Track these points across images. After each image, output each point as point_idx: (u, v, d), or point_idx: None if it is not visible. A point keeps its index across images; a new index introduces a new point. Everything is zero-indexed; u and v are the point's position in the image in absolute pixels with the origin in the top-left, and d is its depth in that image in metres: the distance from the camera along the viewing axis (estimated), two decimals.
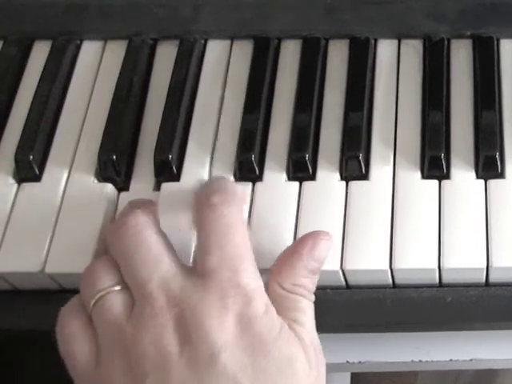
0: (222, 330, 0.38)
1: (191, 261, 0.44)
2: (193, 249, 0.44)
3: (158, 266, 0.40)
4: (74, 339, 0.41)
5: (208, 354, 0.38)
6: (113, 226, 0.42)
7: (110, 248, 0.42)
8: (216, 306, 0.39)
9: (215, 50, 0.53)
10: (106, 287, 0.40)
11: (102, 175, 0.48)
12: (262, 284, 0.40)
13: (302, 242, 0.42)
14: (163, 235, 0.42)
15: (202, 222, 0.41)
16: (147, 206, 0.44)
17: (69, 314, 0.42)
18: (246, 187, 0.47)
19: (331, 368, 0.49)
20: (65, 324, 0.41)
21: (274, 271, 0.42)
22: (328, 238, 0.42)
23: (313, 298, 0.42)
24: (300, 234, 0.45)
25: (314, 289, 0.42)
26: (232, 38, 0.54)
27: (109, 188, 0.48)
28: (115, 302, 0.40)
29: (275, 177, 0.47)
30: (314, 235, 0.42)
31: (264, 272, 0.43)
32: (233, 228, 0.41)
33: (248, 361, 0.38)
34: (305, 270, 0.41)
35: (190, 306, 0.39)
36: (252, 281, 0.40)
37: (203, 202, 0.42)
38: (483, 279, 0.45)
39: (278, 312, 0.40)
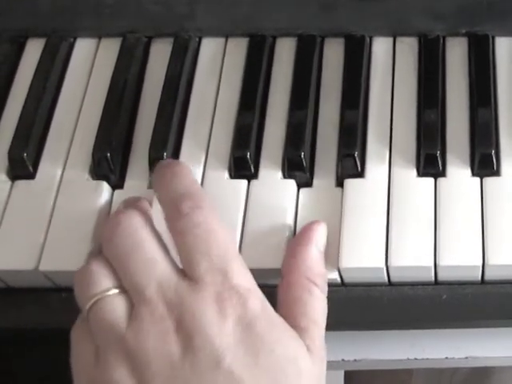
0: (223, 333, 0.38)
1: None
2: None
3: (155, 270, 0.39)
4: (75, 344, 0.41)
5: (212, 357, 0.37)
6: (106, 227, 0.42)
7: (104, 249, 0.41)
8: (214, 310, 0.38)
9: (210, 47, 0.53)
10: (103, 290, 0.40)
11: (97, 173, 0.48)
12: (253, 281, 0.40)
13: (304, 233, 0.43)
14: (158, 235, 0.41)
15: (179, 234, 0.40)
16: (142, 204, 0.44)
17: (78, 321, 0.41)
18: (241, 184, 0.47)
19: (326, 366, 0.49)
20: (73, 326, 0.41)
21: (288, 267, 0.42)
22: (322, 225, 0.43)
23: (326, 290, 0.42)
24: (296, 231, 0.45)
25: (326, 280, 0.42)
26: (227, 36, 0.54)
27: (103, 186, 0.47)
28: (112, 306, 0.39)
29: (270, 174, 0.47)
30: (316, 224, 0.43)
31: (261, 271, 0.43)
32: (213, 232, 0.40)
33: (251, 361, 0.38)
34: (320, 258, 0.42)
35: (189, 310, 0.38)
36: (243, 281, 0.40)
37: (174, 213, 0.41)
38: (479, 277, 0.45)
39: (295, 308, 0.40)
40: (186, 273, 0.40)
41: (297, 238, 0.43)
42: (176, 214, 0.40)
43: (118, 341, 0.38)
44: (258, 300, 0.39)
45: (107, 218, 0.45)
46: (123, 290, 0.40)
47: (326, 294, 0.42)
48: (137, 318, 0.39)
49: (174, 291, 0.39)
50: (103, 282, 0.40)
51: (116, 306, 0.39)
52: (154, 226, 0.42)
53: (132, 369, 0.38)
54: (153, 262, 0.40)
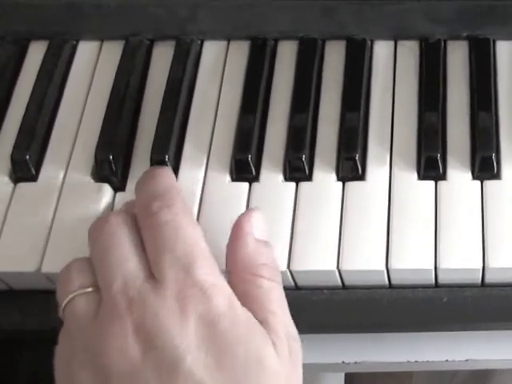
0: (184, 333, 0.37)
1: None
2: None
3: (124, 267, 0.39)
4: (58, 343, 0.41)
5: (172, 358, 0.36)
6: (90, 228, 0.42)
7: (89, 248, 0.42)
8: (175, 309, 0.37)
9: (212, 50, 0.53)
10: (77, 288, 0.40)
11: (99, 175, 0.48)
12: (222, 278, 0.39)
13: (238, 225, 0.41)
14: (136, 235, 0.41)
15: (147, 232, 0.40)
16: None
17: None
18: (242, 187, 0.47)
19: (327, 368, 0.50)
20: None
21: (230, 265, 0.41)
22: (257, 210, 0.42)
23: (279, 277, 0.41)
24: (296, 234, 0.45)
25: (275, 267, 0.41)
26: (229, 39, 0.54)
27: (105, 188, 0.48)
28: (83, 303, 0.39)
29: (272, 177, 0.48)
30: (244, 214, 0.42)
31: None
32: (181, 229, 0.39)
33: (213, 362, 0.36)
34: (261, 247, 0.41)
35: (151, 310, 0.38)
36: (209, 277, 0.38)
37: (144, 212, 0.41)
38: (479, 280, 0.45)
39: (250, 305, 0.39)
40: (153, 272, 0.39)
41: (231, 234, 0.42)
42: (146, 212, 0.40)
43: (82, 339, 0.38)
44: (223, 296, 0.38)
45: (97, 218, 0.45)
46: (97, 288, 0.40)
47: (278, 280, 0.41)
48: (99, 316, 0.38)
49: (138, 290, 0.38)
50: (80, 279, 0.40)
51: (86, 302, 0.39)
52: (134, 229, 0.41)
53: (93, 370, 0.37)
54: (124, 260, 0.39)
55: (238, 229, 0.41)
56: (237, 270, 0.40)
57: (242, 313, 0.39)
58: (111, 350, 0.37)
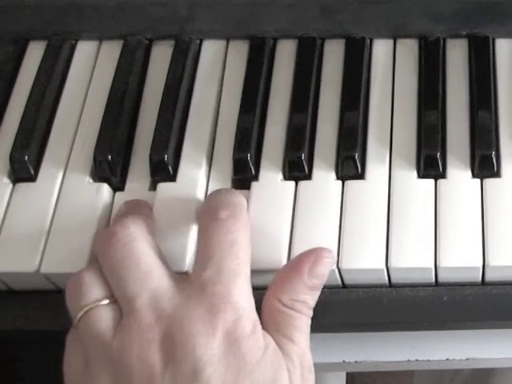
0: (209, 345, 0.38)
1: (186, 263, 0.44)
2: (188, 251, 0.44)
3: (148, 281, 0.39)
4: (68, 349, 0.41)
5: (192, 369, 0.37)
6: (102, 237, 0.42)
7: (99, 259, 0.41)
8: (205, 320, 0.38)
9: (211, 49, 0.53)
10: (93, 301, 0.40)
11: (98, 175, 0.48)
12: (253, 303, 0.40)
13: (303, 260, 0.41)
14: (154, 246, 0.41)
15: (206, 235, 0.41)
16: (142, 207, 0.44)
17: (71, 329, 0.42)
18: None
19: (328, 367, 0.49)
20: (68, 332, 0.41)
21: (273, 286, 0.41)
22: (330, 256, 0.42)
23: (311, 313, 0.42)
24: (296, 233, 0.45)
25: (313, 305, 0.42)
26: (228, 38, 0.54)
27: (104, 188, 0.48)
28: (102, 316, 0.39)
29: (271, 176, 0.47)
30: (315, 253, 0.42)
31: (260, 273, 0.43)
32: (237, 245, 0.40)
33: (231, 379, 0.37)
34: (305, 288, 0.41)
35: (178, 321, 0.38)
36: (243, 299, 0.39)
37: (210, 215, 0.41)
38: (479, 278, 0.45)
39: (273, 327, 0.40)
40: (193, 272, 0.40)
41: (297, 257, 0.42)
42: (212, 216, 0.41)
43: (103, 350, 0.39)
44: (249, 321, 0.39)
45: (102, 228, 0.45)
46: (114, 300, 0.40)
47: (307, 315, 0.41)
48: (123, 328, 0.39)
49: (166, 303, 0.39)
50: (94, 292, 0.40)
51: (105, 316, 0.39)
52: (151, 235, 0.42)
53: (115, 379, 0.38)
54: (146, 273, 0.40)
55: (313, 255, 0.42)
56: (276, 291, 0.41)
57: (264, 339, 0.40)
58: (134, 360, 0.38)
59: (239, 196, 0.43)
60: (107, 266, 0.41)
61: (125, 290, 0.39)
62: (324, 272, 0.42)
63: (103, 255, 0.41)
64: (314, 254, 0.41)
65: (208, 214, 0.42)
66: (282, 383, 0.39)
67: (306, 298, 0.41)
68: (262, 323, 0.41)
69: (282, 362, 0.39)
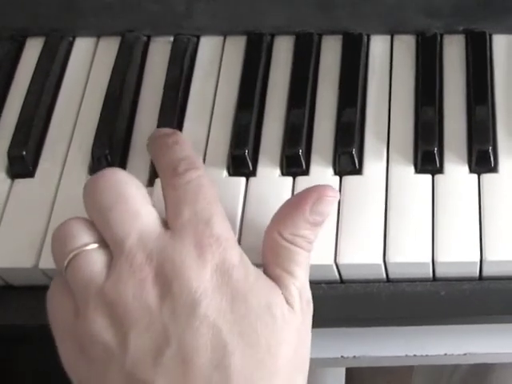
0: (202, 278, 0.38)
1: None
2: None
3: (136, 221, 0.40)
4: (52, 300, 0.41)
5: (188, 301, 0.38)
6: (89, 181, 0.41)
7: (86, 204, 0.41)
8: (194, 256, 0.39)
9: (208, 46, 0.54)
10: (82, 245, 0.40)
11: (96, 171, 0.48)
12: (233, 235, 0.41)
13: (305, 197, 0.41)
14: (141, 188, 0.41)
15: (172, 190, 0.41)
16: None
17: (54, 279, 0.42)
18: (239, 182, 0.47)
19: (326, 363, 0.50)
20: (50, 286, 0.41)
21: (274, 220, 0.42)
22: (333, 194, 0.41)
23: (311, 248, 0.42)
24: None
25: (314, 239, 0.42)
26: (225, 34, 0.54)
27: None
28: (91, 259, 0.39)
29: (269, 172, 0.48)
30: (319, 190, 0.41)
31: (258, 267, 0.43)
32: (203, 188, 0.41)
33: (227, 307, 0.38)
34: (307, 223, 0.41)
35: (169, 256, 0.39)
36: (224, 232, 0.40)
37: (170, 172, 0.41)
38: (477, 273, 0.45)
39: (273, 261, 0.41)
40: (170, 224, 0.40)
41: (299, 194, 0.42)
42: (172, 172, 0.41)
43: (97, 293, 0.38)
44: (235, 250, 0.40)
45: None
46: (103, 244, 0.40)
47: (308, 249, 0.41)
48: (115, 269, 0.39)
49: (155, 240, 0.39)
50: (82, 236, 0.40)
51: (95, 259, 0.39)
52: (140, 184, 0.42)
53: (111, 319, 0.38)
54: (134, 213, 0.40)
55: (316, 192, 0.41)
56: (278, 225, 0.41)
57: (253, 267, 0.40)
58: (130, 299, 0.38)
59: (186, 144, 0.43)
60: (95, 209, 0.40)
61: (113, 232, 0.39)
62: (327, 210, 0.41)
63: (91, 197, 0.41)
64: (317, 191, 0.41)
65: (167, 172, 0.42)
66: (277, 309, 0.39)
67: (307, 233, 0.41)
68: (262, 257, 0.41)
69: (276, 288, 0.40)
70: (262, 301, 0.39)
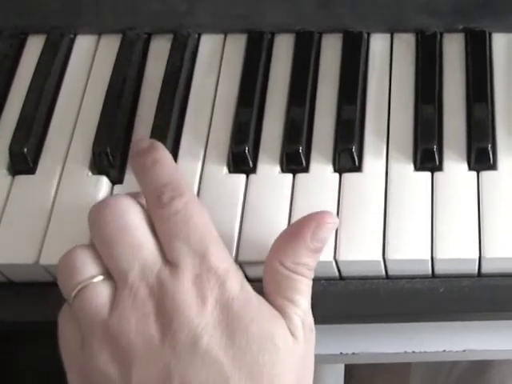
0: (201, 315, 0.38)
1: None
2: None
3: (140, 253, 0.40)
4: (62, 329, 0.41)
5: (189, 338, 0.38)
6: (93, 210, 0.41)
7: (92, 232, 0.41)
8: (193, 295, 0.39)
9: (209, 43, 0.54)
10: (88, 278, 0.40)
11: (97, 168, 0.48)
12: (232, 262, 0.41)
13: (305, 225, 0.41)
14: (146, 218, 0.41)
15: (160, 222, 0.40)
16: (140, 197, 0.44)
17: (63, 309, 0.42)
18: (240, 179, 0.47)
19: (325, 359, 0.50)
20: (59, 315, 0.42)
21: (274, 249, 0.41)
22: (332, 220, 0.41)
23: (312, 275, 0.42)
24: None
25: (314, 266, 0.42)
26: (226, 32, 0.54)
27: (103, 180, 0.48)
28: (97, 293, 0.40)
29: (269, 169, 0.48)
30: (318, 218, 0.41)
31: (258, 265, 0.43)
32: (193, 218, 0.40)
33: (228, 341, 0.38)
34: (308, 251, 0.41)
35: (169, 293, 0.39)
36: (221, 262, 0.40)
37: (155, 204, 0.41)
38: (476, 270, 0.45)
39: (275, 290, 0.41)
40: (168, 257, 0.40)
41: (298, 221, 0.42)
42: (157, 203, 0.41)
43: (101, 327, 0.39)
44: (235, 280, 0.40)
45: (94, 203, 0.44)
46: (108, 276, 0.40)
47: (309, 277, 0.41)
48: (119, 304, 0.39)
49: (156, 276, 0.39)
50: (87, 269, 0.40)
51: (100, 292, 0.40)
52: (143, 211, 0.41)
53: (115, 352, 0.38)
54: (138, 246, 0.40)
55: (315, 220, 0.41)
56: (279, 254, 0.41)
57: (254, 296, 0.40)
58: (133, 334, 0.38)
59: (168, 164, 0.42)
60: (99, 240, 0.41)
61: (117, 265, 0.40)
62: (327, 236, 0.41)
63: (96, 228, 0.41)
64: (316, 218, 0.41)
65: (151, 200, 0.41)
66: (280, 339, 0.39)
67: (309, 260, 0.41)
68: (264, 286, 0.41)
69: (278, 317, 0.40)
70: (265, 331, 0.39)
